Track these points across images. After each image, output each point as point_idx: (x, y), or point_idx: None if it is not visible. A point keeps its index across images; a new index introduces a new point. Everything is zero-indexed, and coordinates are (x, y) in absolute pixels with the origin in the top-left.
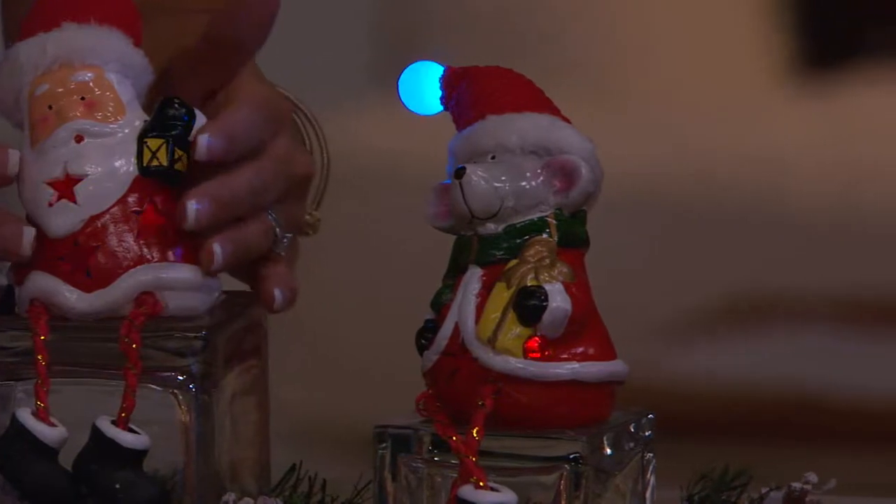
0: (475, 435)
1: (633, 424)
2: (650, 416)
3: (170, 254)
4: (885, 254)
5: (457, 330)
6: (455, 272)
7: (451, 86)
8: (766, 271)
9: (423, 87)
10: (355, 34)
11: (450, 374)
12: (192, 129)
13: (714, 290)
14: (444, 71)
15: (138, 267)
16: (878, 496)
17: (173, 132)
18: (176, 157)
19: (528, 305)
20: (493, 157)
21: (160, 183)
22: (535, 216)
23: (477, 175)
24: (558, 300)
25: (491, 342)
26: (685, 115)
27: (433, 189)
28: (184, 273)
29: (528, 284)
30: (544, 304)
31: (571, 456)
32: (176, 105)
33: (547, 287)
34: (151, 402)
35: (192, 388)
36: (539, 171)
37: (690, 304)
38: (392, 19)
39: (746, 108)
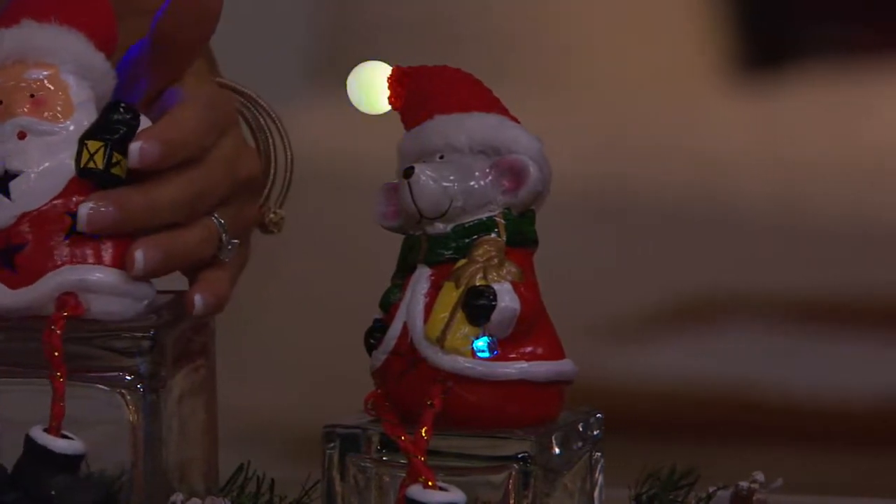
0: (424, 435)
1: (581, 424)
2: (598, 415)
3: (98, 256)
4: (826, 252)
5: (405, 329)
6: (404, 272)
7: (399, 85)
8: (710, 271)
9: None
10: (301, 34)
11: (399, 373)
12: (134, 134)
13: (659, 290)
14: (392, 70)
15: (64, 267)
16: (824, 495)
17: (114, 136)
18: (114, 160)
19: (477, 305)
20: (441, 157)
21: (96, 185)
22: (483, 216)
23: (425, 175)
24: (507, 300)
25: (440, 342)
26: (626, 115)
27: (381, 189)
28: (110, 277)
29: (477, 284)
30: (493, 303)
31: (520, 455)
32: (120, 109)
33: (496, 287)
34: (99, 402)
35: (139, 388)
36: (487, 170)
37: (636, 304)
38: (338, 21)
39: (686, 108)
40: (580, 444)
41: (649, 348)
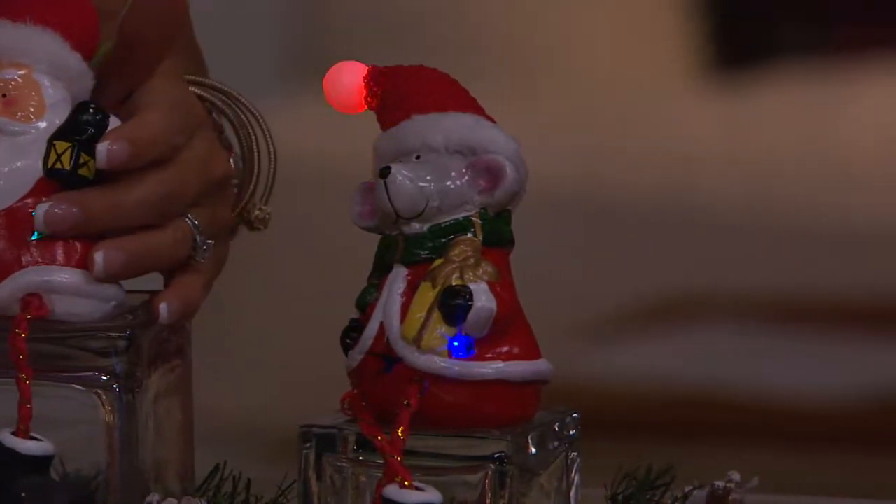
0: (400, 434)
1: (557, 423)
2: (575, 415)
3: (65, 257)
4: (800, 252)
5: (382, 329)
6: (380, 272)
7: (376, 85)
8: (686, 271)
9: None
10: (266, 32)
11: (375, 373)
12: (102, 135)
13: (634, 289)
14: (369, 70)
15: (29, 268)
16: (799, 494)
17: (82, 136)
18: (81, 161)
19: (454, 305)
20: (417, 157)
21: (64, 186)
22: (460, 216)
23: (402, 174)
24: (483, 300)
25: (416, 342)
26: (600, 115)
27: (358, 188)
28: (75, 278)
29: (453, 284)
30: (469, 303)
31: (496, 455)
32: (90, 110)
33: (472, 286)
34: (74, 402)
35: (115, 389)
36: (464, 170)
37: (612, 304)
38: (313, 20)
39: (661, 108)
40: (556, 443)
41: (626, 348)
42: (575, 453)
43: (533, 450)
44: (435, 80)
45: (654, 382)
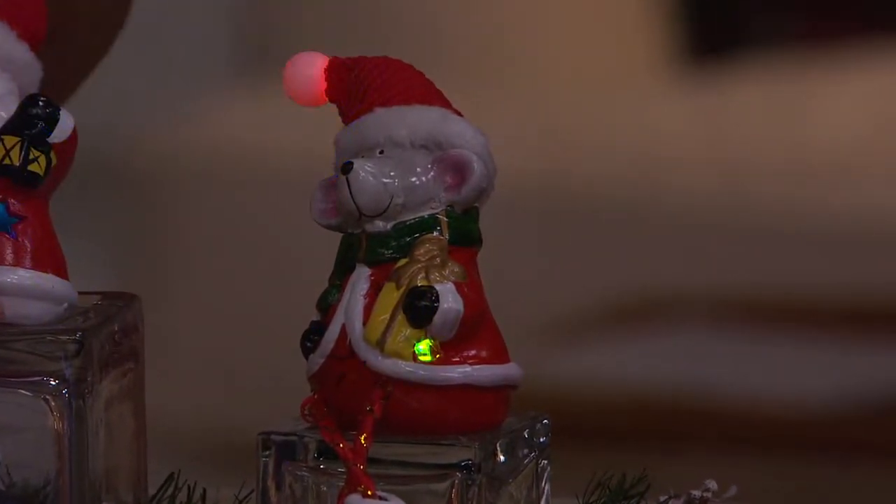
0: (363, 442)
1: (527, 430)
2: (545, 420)
3: (16, 257)
4: (775, 250)
5: (344, 332)
6: (343, 272)
7: (337, 77)
8: (656, 270)
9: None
10: (221, 23)
11: (337, 377)
12: (54, 129)
13: (604, 289)
14: (330, 61)
15: None
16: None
17: (32, 131)
18: (31, 157)
19: (419, 306)
20: (381, 152)
21: (13, 183)
22: (425, 213)
23: (364, 170)
24: (450, 301)
25: (379, 345)
26: (565, 109)
27: (319, 185)
28: (26, 279)
29: (419, 284)
30: (435, 305)
31: (463, 463)
32: (39, 103)
33: (438, 287)
34: (22, 407)
35: (65, 394)
36: (430, 166)
37: (582, 305)
38: (259, 8)
39: (628, 101)
40: (526, 451)
41: (597, 350)
42: (546, 461)
43: (502, 457)
44: (399, 71)
45: (627, 387)
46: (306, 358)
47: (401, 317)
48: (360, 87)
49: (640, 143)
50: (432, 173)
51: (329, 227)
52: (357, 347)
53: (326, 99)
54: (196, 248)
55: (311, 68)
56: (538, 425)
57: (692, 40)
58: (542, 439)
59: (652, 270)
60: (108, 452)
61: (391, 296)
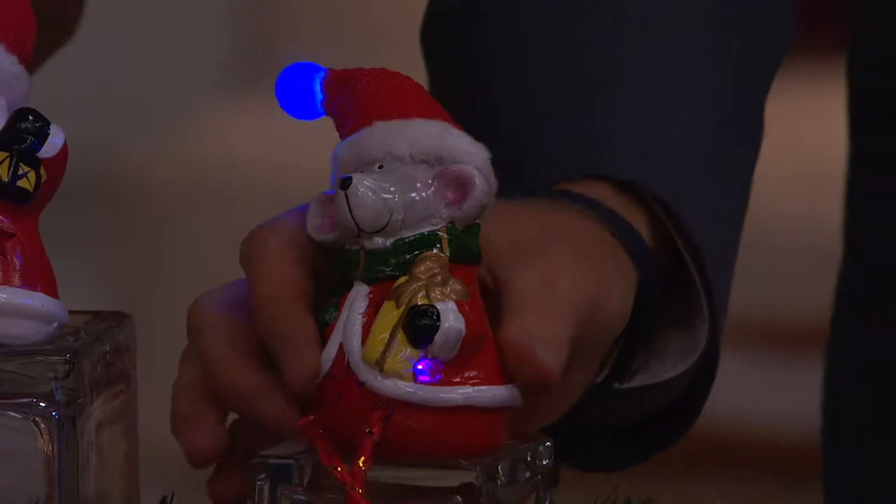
0: (362, 465)
1: (529, 452)
2: (548, 443)
3: (5, 275)
4: (780, 267)
5: (342, 351)
6: (340, 289)
7: (335, 89)
8: None
9: (302, 89)
10: (213, 37)
11: (334, 398)
12: (44, 144)
13: None
14: (326, 73)
15: None
16: None
17: (21, 146)
18: (20, 172)
19: (420, 326)
20: (380, 167)
21: (2, 198)
22: (425, 230)
23: (364, 185)
24: (451, 320)
25: (379, 365)
26: None
27: (315, 199)
28: (15, 298)
29: (419, 303)
30: (437, 324)
31: (464, 486)
32: (29, 117)
33: (439, 306)
34: (11, 430)
35: (55, 416)
36: (430, 181)
37: None
38: (253, 22)
39: None
40: (528, 474)
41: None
42: (548, 484)
43: (503, 480)
44: (399, 85)
45: None
46: None
47: (401, 336)
48: (357, 100)
49: None
50: (433, 188)
51: (324, 243)
52: (356, 368)
53: (323, 112)
54: (191, 265)
55: (305, 80)
56: (541, 448)
57: None
58: (544, 462)
59: None
60: (98, 476)
61: (391, 314)
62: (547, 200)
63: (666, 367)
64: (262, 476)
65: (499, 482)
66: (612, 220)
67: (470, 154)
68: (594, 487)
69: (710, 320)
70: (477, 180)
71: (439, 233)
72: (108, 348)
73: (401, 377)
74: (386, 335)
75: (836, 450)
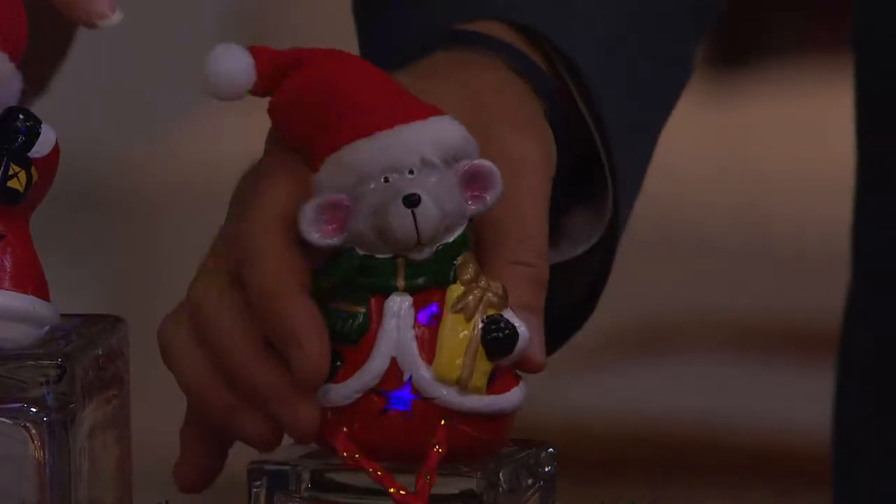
0: (427, 480)
1: (532, 459)
2: (550, 450)
3: None
4: (795, 271)
5: (395, 366)
6: (357, 297)
7: (275, 73)
8: (666, 293)
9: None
10: (213, 37)
11: (376, 413)
12: (34, 144)
13: (610, 314)
14: (255, 53)
15: None
16: None
17: (11, 145)
18: (11, 173)
19: (501, 339)
20: (410, 172)
21: None
22: (458, 232)
23: (431, 203)
24: (522, 328)
25: (462, 382)
26: None
27: (313, 203)
28: (5, 301)
29: (490, 314)
30: (515, 335)
31: (465, 493)
32: (19, 116)
33: (506, 314)
34: (1, 435)
35: (46, 421)
36: (457, 182)
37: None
38: (251, 22)
39: None
40: (530, 480)
41: (602, 378)
42: (550, 490)
43: (504, 487)
44: (377, 74)
45: (635, 416)
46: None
47: (480, 350)
48: (342, 95)
49: (658, 162)
50: (460, 189)
51: (328, 247)
52: (425, 384)
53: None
54: (184, 268)
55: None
56: (543, 454)
57: (708, 52)
58: (547, 468)
59: (663, 294)
60: (91, 483)
61: (459, 327)
62: (453, 54)
63: (576, 248)
64: (259, 483)
65: (500, 489)
66: (522, 64)
67: (475, 146)
68: (597, 493)
69: (613, 188)
70: (497, 173)
71: (466, 233)
72: (100, 352)
73: (479, 391)
74: (461, 350)
75: (844, 454)
